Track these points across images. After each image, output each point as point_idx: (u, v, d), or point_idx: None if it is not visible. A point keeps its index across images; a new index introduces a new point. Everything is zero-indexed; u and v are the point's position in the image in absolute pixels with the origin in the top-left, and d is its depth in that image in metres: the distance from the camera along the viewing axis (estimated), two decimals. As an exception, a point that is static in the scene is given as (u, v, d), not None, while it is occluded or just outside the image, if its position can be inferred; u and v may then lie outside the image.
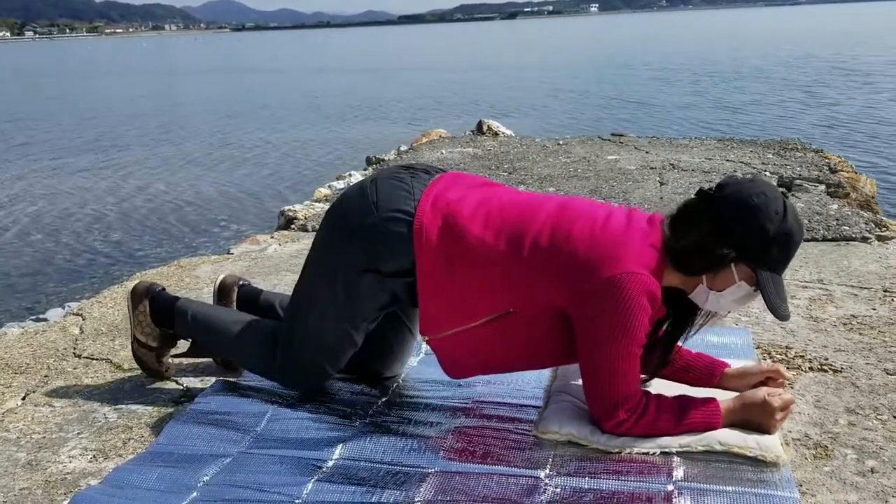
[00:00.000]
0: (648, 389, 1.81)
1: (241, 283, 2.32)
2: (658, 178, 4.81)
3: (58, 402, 2.13)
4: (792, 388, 2.05)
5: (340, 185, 5.37)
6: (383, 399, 2.05)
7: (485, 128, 7.15)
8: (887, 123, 12.06)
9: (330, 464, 1.75)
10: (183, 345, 2.27)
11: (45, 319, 2.88)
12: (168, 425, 1.94)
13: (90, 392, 2.19)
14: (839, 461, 1.72)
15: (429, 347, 2.33)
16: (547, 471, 1.68)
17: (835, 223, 3.62)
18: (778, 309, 1.68)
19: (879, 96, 15.39)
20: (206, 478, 1.72)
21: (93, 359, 2.42)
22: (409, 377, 2.18)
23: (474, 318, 1.79)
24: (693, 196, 1.78)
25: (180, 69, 44.79)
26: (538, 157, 5.73)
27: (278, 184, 9.99)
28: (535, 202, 1.84)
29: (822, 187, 4.35)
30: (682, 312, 1.86)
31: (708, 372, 1.97)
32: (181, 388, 2.20)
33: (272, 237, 3.97)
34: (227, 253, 3.71)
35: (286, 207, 4.59)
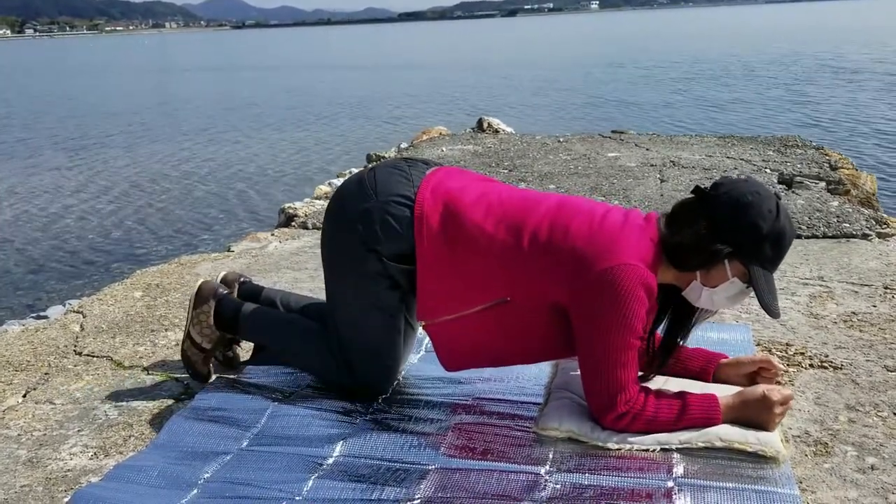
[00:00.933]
0: (648, 385, 1.82)
1: (241, 280, 2.33)
2: (658, 176, 4.80)
3: (58, 400, 2.14)
4: (792, 384, 2.05)
5: (340, 182, 5.35)
6: (383, 396, 2.05)
7: (485, 125, 7.14)
8: (889, 121, 12.05)
9: (330, 461, 1.75)
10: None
11: (45, 317, 2.89)
12: (169, 422, 1.94)
13: (91, 389, 2.19)
14: (839, 458, 1.72)
15: (430, 344, 2.35)
16: (547, 467, 1.68)
17: (835, 220, 3.62)
18: (770, 306, 1.70)
19: (881, 94, 15.36)
20: (206, 475, 1.72)
21: (93, 356, 2.43)
22: (410, 374, 2.18)
23: (471, 304, 1.81)
24: (689, 194, 1.80)
25: (180, 66, 44.77)
26: (538, 155, 5.73)
27: (278, 181, 9.99)
28: (535, 198, 1.87)
29: (823, 184, 4.34)
30: (681, 311, 1.87)
31: (704, 365, 1.98)
32: (181, 384, 2.20)
33: (272, 234, 3.97)
34: (228, 250, 3.71)
35: (286, 205, 4.59)
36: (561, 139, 6.45)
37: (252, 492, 1.64)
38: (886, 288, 2.78)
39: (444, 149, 6.10)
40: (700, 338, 1.99)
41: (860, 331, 2.41)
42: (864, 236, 3.42)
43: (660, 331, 1.93)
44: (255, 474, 1.71)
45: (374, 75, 29.12)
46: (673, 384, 1.89)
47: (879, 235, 3.42)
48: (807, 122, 12.36)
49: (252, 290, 2.31)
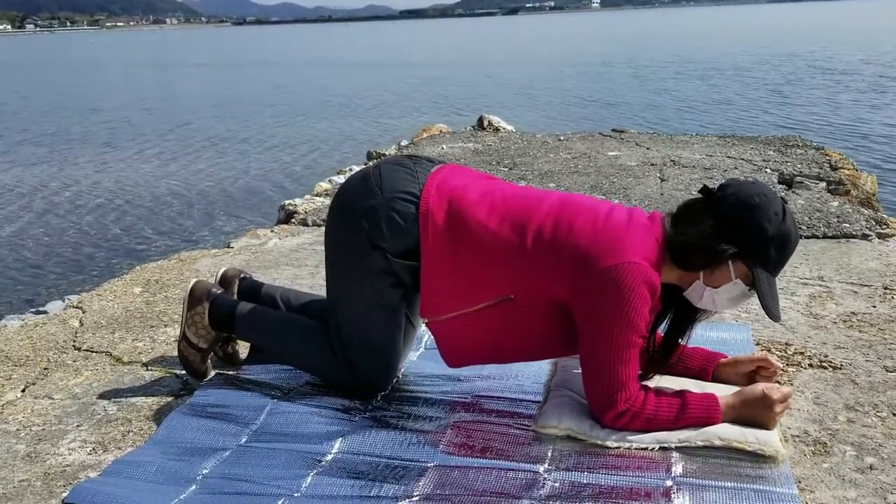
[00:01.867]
0: (647, 384, 1.82)
1: (241, 276, 2.32)
2: (659, 175, 4.80)
3: (57, 395, 2.14)
4: (791, 384, 2.05)
5: (341, 179, 5.36)
6: (383, 393, 2.05)
7: (485, 123, 7.14)
8: (889, 121, 12.05)
9: (329, 457, 1.75)
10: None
11: (44, 312, 2.88)
12: (167, 418, 1.94)
13: (90, 385, 2.19)
14: (838, 458, 1.72)
15: (429, 341, 2.35)
16: (546, 465, 1.68)
17: (835, 220, 3.62)
18: (771, 309, 1.71)
19: (882, 94, 15.36)
20: (205, 471, 1.72)
21: (92, 351, 2.42)
22: (409, 372, 2.18)
23: (475, 302, 1.81)
24: (696, 194, 1.80)
25: (180, 63, 44.74)
26: (539, 153, 5.72)
27: (278, 178, 9.99)
28: (538, 195, 1.88)
29: (823, 184, 4.34)
30: (682, 311, 1.87)
31: (703, 364, 1.98)
32: (181, 380, 2.20)
33: (272, 231, 3.97)
34: (228, 247, 3.71)
35: (286, 201, 4.59)
36: (561, 137, 6.45)
37: (251, 488, 1.64)
38: (886, 288, 2.78)
39: (444, 146, 6.10)
40: (700, 337, 1.99)
41: (859, 331, 2.41)
42: (864, 236, 3.42)
43: (660, 330, 1.93)
44: (254, 470, 1.71)
45: (374, 72, 29.10)
46: (672, 383, 1.89)
47: (879, 236, 3.42)
48: (807, 122, 12.36)
49: (252, 287, 2.31)
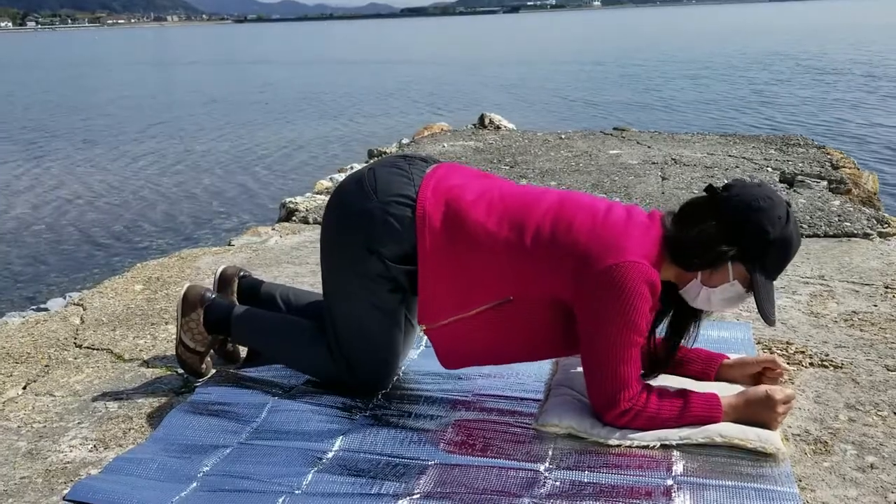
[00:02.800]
0: (649, 383, 1.81)
1: (241, 274, 2.32)
2: (660, 173, 4.80)
3: (58, 392, 2.14)
4: (792, 383, 2.05)
5: (342, 177, 5.35)
6: (383, 391, 2.05)
7: (486, 121, 7.13)
8: (891, 120, 12.04)
9: (330, 455, 1.75)
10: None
11: (46, 309, 2.89)
12: (168, 416, 1.95)
13: (91, 382, 2.19)
14: (839, 457, 1.72)
15: (429, 340, 2.34)
16: (546, 464, 1.68)
17: (836, 219, 3.61)
18: (767, 312, 1.71)
19: (883, 92, 15.34)
20: (206, 468, 1.72)
21: (93, 349, 2.43)
22: (409, 370, 2.18)
23: (473, 305, 1.80)
24: (698, 193, 1.80)
25: (181, 60, 44.73)
26: (540, 151, 5.72)
27: (279, 176, 9.98)
28: (536, 193, 1.86)
29: (825, 183, 4.34)
30: (684, 311, 1.86)
31: (706, 365, 1.98)
32: (182, 378, 2.20)
33: (273, 229, 3.97)
34: (228, 244, 3.71)
35: (287, 199, 4.59)
36: (562, 136, 6.45)
37: (251, 485, 1.64)
38: (887, 287, 2.77)
39: (445, 145, 6.10)
40: (700, 336, 1.98)
41: (861, 330, 2.41)
42: (866, 235, 3.42)
43: (660, 332, 1.92)
44: (255, 468, 1.71)
45: (375, 70, 29.09)
46: (674, 383, 1.89)
47: (881, 235, 3.42)
48: (809, 121, 12.35)
49: (252, 285, 2.31)
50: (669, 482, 1.60)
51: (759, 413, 1.74)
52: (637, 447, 1.72)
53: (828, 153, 5.18)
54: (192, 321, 2.12)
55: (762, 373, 1.92)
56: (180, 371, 2.23)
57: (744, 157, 5.15)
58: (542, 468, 1.67)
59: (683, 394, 1.77)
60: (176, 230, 7.47)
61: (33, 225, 7.77)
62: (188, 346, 2.13)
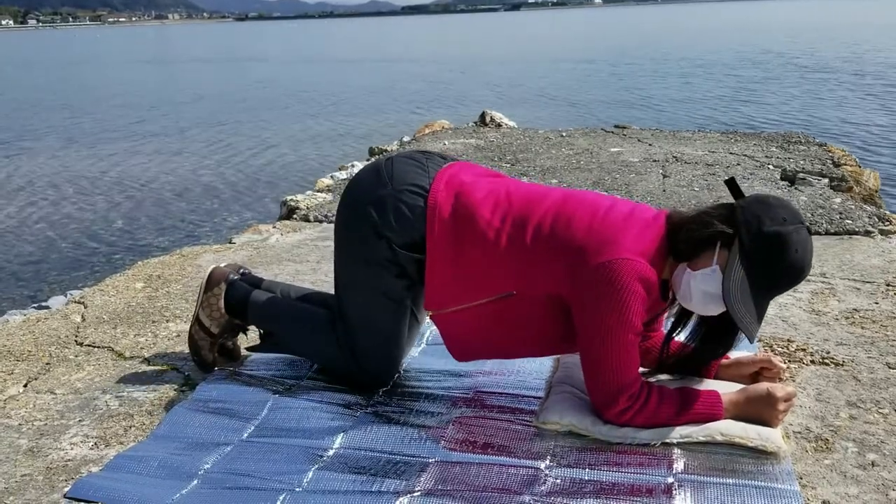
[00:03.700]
0: (649, 381, 1.81)
1: (241, 271, 2.32)
2: (661, 171, 4.80)
3: (59, 390, 2.14)
4: (793, 381, 2.05)
5: (343, 175, 5.36)
6: (384, 389, 2.05)
7: (488, 119, 7.13)
8: (893, 118, 12.02)
9: (331, 452, 1.75)
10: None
11: (47, 307, 2.89)
12: (170, 413, 1.95)
13: (92, 380, 2.19)
14: (840, 454, 1.72)
15: (431, 337, 2.35)
16: (547, 462, 1.68)
17: (838, 217, 3.61)
18: (730, 306, 1.62)
19: (885, 91, 15.32)
20: (206, 465, 1.72)
21: (94, 346, 2.43)
22: (410, 367, 2.18)
23: (477, 296, 1.81)
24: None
25: (183, 58, 44.73)
26: (541, 149, 5.72)
27: (280, 174, 9.99)
28: (543, 191, 1.88)
29: (826, 181, 4.33)
30: (715, 324, 1.84)
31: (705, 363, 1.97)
32: (183, 376, 2.20)
33: (274, 227, 3.97)
34: (230, 242, 3.71)
35: (288, 197, 4.59)
36: (563, 133, 6.44)
37: (252, 483, 1.64)
38: (889, 285, 2.77)
39: (446, 142, 6.10)
40: (701, 333, 1.98)
41: (862, 328, 2.40)
42: (867, 233, 3.41)
43: (686, 338, 1.90)
44: (256, 465, 1.71)
45: (376, 68, 29.08)
46: (675, 381, 1.89)
47: (882, 232, 3.42)
48: (810, 119, 12.33)
49: (252, 282, 2.30)
50: (670, 480, 1.60)
51: (761, 410, 1.74)
52: (638, 445, 1.72)
53: (829, 151, 5.18)
54: (213, 296, 2.15)
55: (759, 372, 1.92)
56: (181, 369, 2.23)
57: (745, 155, 5.14)
58: (542, 465, 1.67)
59: (684, 391, 1.76)
60: (177, 228, 7.47)
61: (34, 223, 7.78)
62: (203, 325, 2.16)
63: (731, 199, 1.77)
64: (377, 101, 18.03)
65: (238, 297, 2.16)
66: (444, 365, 2.15)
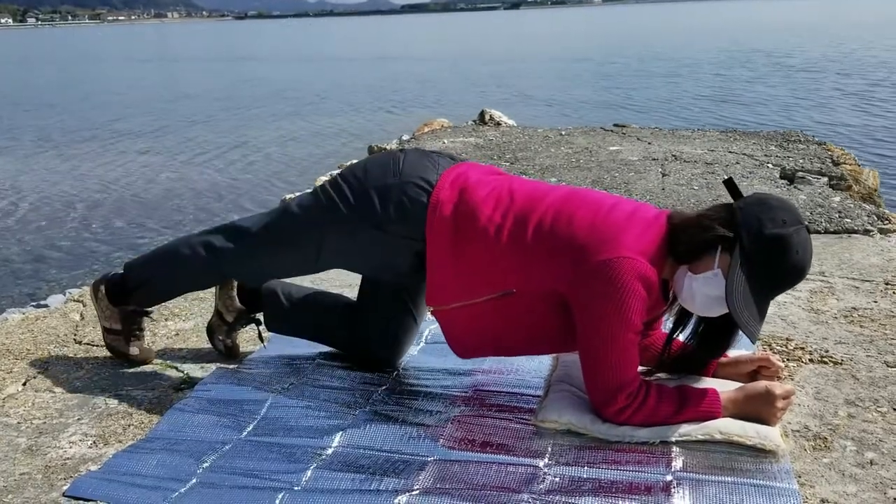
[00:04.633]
0: (648, 379, 1.81)
1: None
2: (660, 170, 4.80)
3: (58, 388, 2.14)
4: (792, 379, 2.05)
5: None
6: (383, 387, 2.05)
7: (487, 117, 7.13)
8: (892, 117, 12.02)
9: (329, 451, 1.75)
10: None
11: (46, 306, 2.88)
12: (168, 412, 1.95)
13: (90, 378, 2.19)
14: (838, 453, 1.72)
15: (430, 336, 2.35)
16: (546, 460, 1.68)
17: (837, 216, 3.61)
18: (744, 321, 1.62)
19: (886, 89, 15.32)
20: (205, 464, 1.72)
21: (93, 345, 2.43)
22: (409, 366, 2.18)
23: (478, 294, 1.82)
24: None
25: (181, 57, 44.68)
26: (540, 148, 5.72)
27: (279, 171, 9.99)
28: (545, 189, 1.88)
29: (825, 180, 4.33)
30: (714, 324, 1.83)
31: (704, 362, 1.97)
32: (182, 375, 2.20)
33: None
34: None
35: (287, 195, 4.59)
36: (563, 132, 6.44)
37: (251, 481, 1.64)
38: (887, 284, 2.77)
39: (445, 141, 6.09)
40: (700, 332, 1.98)
41: (860, 326, 2.41)
42: (866, 232, 3.41)
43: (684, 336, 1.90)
44: (255, 464, 1.71)
45: (375, 67, 29.06)
46: (673, 380, 1.89)
47: (881, 231, 3.42)
48: (809, 118, 12.33)
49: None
50: (669, 478, 1.60)
51: (759, 408, 1.74)
52: (636, 443, 1.72)
53: (828, 149, 5.17)
54: (100, 300, 2.23)
55: (758, 371, 1.91)
56: (180, 367, 2.24)
57: (744, 154, 5.14)
58: (541, 464, 1.67)
59: (683, 389, 1.76)
60: (176, 226, 7.47)
61: (33, 222, 7.78)
62: (106, 328, 2.24)
63: (730, 199, 1.78)
64: (376, 99, 18.03)
65: (117, 286, 2.21)
66: (442, 363, 2.15)
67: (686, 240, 1.71)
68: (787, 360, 2.17)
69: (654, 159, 5.11)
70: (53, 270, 6.29)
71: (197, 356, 2.32)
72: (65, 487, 1.66)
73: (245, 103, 18.10)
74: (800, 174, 4.43)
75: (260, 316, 2.27)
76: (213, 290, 2.30)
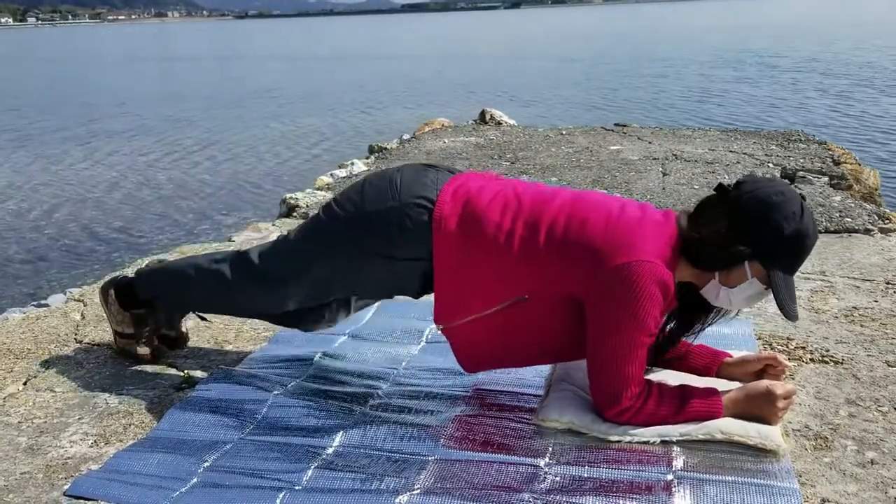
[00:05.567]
0: (650, 378, 1.81)
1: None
2: (661, 169, 4.79)
3: (59, 388, 2.14)
4: (793, 379, 2.05)
5: (342, 173, 5.36)
6: (384, 387, 2.05)
7: (487, 117, 7.12)
8: (893, 116, 12.01)
9: (330, 451, 1.75)
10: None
11: (46, 305, 2.88)
12: (169, 411, 1.95)
13: (91, 377, 2.19)
14: (839, 452, 1.72)
15: (431, 335, 2.35)
16: (546, 459, 1.68)
17: (837, 215, 3.61)
18: (788, 309, 1.68)
19: (887, 88, 15.31)
20: (206, 464, 1.72)
21: (94, 345, 2.43)
22: (410, 365, 2.18)
23: (490, 304, 1.79)
24: (712, 192, 1.78)
25: (181, 56, 44.68)
26: (541, 147, 5.72)
27: (280, 171, 9.99)
28: (551, 192, 1.86)
29: (826, 179, 4.33)
30: (689, 307, 1.86)
31: (708, 362, 1.98)
32: (182, 375, 2.20)
33: (274, 225, 3.97)
34: (229, 241, 3.71)
35: (288, 195, 4.58)
36: (563, 131, 6.44)
37: (251, 481, 1.64)
38: (888, 283, 2.77)
39: (446, 140, 6.09)
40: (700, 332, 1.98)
41: (861, 326, 2.40)
42: (867, 231, 3.41)
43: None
44: (255, 463, 1.71)
45: (375, 66, 29.06)
46: (675, 378, 1.89)
47: (882, 231, 3.42)
48: (810, 117, 12.33)
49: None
50: (670, 477, 1.60)
51: (760, 408, 1.74)
52: (637, 442, 1.72)
53: (829, 149, 5.17)
54: (111, 304, 2.23)
55: (764, 370, 1.91)
56: (180, 367, 2.24)
57: (745, 153, 5.14)
58: (542, 463, 1.67)
59: (683, 390, 1.76)
60: (176, 226, 7.48)
61: (34, 221, 7.78)
62: (118, 332, 2.26)
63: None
64: (377, 98, 18.03)
65: (125, 290, 2.20)
66: (443, 363, 2.15)
67: (709, 257, 1.73)
68: (788, 359, 2.17)
69: (654, 159, 5.11)
70: (54, 270, 6.29)
71: (197, 356, 2.32)
72: (66, 487, 1.66)
73: (245, 102, 18.10)
74: (800, 173, 4.43)
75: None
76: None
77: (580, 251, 1.71)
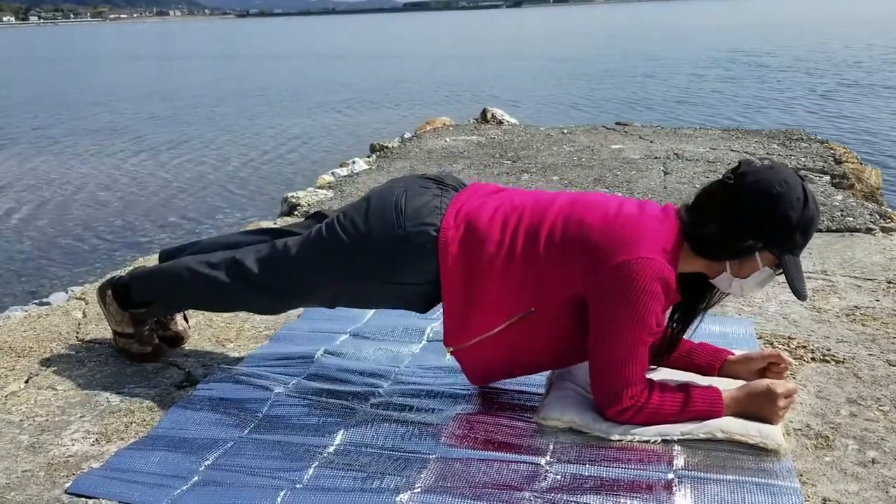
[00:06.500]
0: (652, 377, 1.81)
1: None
2: (662, 168, 4.79)
3: (60, 386, 2.14)
4: (794, 378, 2.05)
5: (344, 171, 5.36)
6: (385, 385, 2.05)
7: (489, 116, 7.12)
8: (894, 115, 12.00)
9: (331, 449, 1.75)
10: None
11: (48, 303, 2.89)
12: (170, 410, 1.95)
13: (93, 376, 2.20)
14: (840, 451, 1.72)
15: (432, 333, 2.35)
16: (547, 458, 1.69)
17: (839, 214, 3.61)
18: (800, 290, 1.70)
19: (887, 88, 15.29)
20: (207, 462, 1.73)
21: (95, 343, 2.43)
22: (411, 364, 2.18)
23: (499, 321, 1.78)
24: (712, 183, 1.77)
25: (183, 54, 44.69)
26: (542, 146, 5.71)
27: (281, 170, 9.98)
28: (548, 197, 1.86)
29: (827, 178, 4.33)
30: (690, 301, 1.85)
31: (711, 360, 1.97)
32: (184, 373, 2.20)
33: (275, 224, 3.97)
34: (230, 239, 3.70)
35: (289, 194, 4.58)
36: (565, 130, 6.44)
37: (252, 480, 1.65)
38: (889, 282, 2.77)
39: (447, 139, 6.09)
40: (701, 331, 1.98)
41: (863, 325, 2.40)
42: (868, 230, 3.41)
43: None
44: (256, 462, 1.71)
45: (377, 65, 29.05)
46: (677, 377, 1.89)
47: (883, 230, 3.41)
48: (811, 116, 12.31)
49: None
50: (670, 476, 1.60)
51: (761, 407, 1.74)
52: (638, 441, 1.72)
53: (830, 148, 5.17)
54: (109, 305, 2.23)
55: (767, 368, 1.91)
56: (182, 366, 2.24)
57: (746, 152, 5.14)
58: (543, 462, 1.67)
59: (685, 389, 1.76)
60: (177, 224, 7.48)
61: (36, 219, 7.78)
62: (118, 332, 2.26)
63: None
64: (378, 97, 18.01)
65: (122, 290, 2.19)
66: (444, 362, 2.15)
67: (718, 250, 1.73)
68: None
69: (656, 157, 5.11)
70: (55, 268, 6.29)
71: (199, 354, 2.32)
72: (67, 485, 1.67)
73: (246, 101, 18.10)
74: (802, 173, 4.42)
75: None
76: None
77: (579, 250, 1.71)
